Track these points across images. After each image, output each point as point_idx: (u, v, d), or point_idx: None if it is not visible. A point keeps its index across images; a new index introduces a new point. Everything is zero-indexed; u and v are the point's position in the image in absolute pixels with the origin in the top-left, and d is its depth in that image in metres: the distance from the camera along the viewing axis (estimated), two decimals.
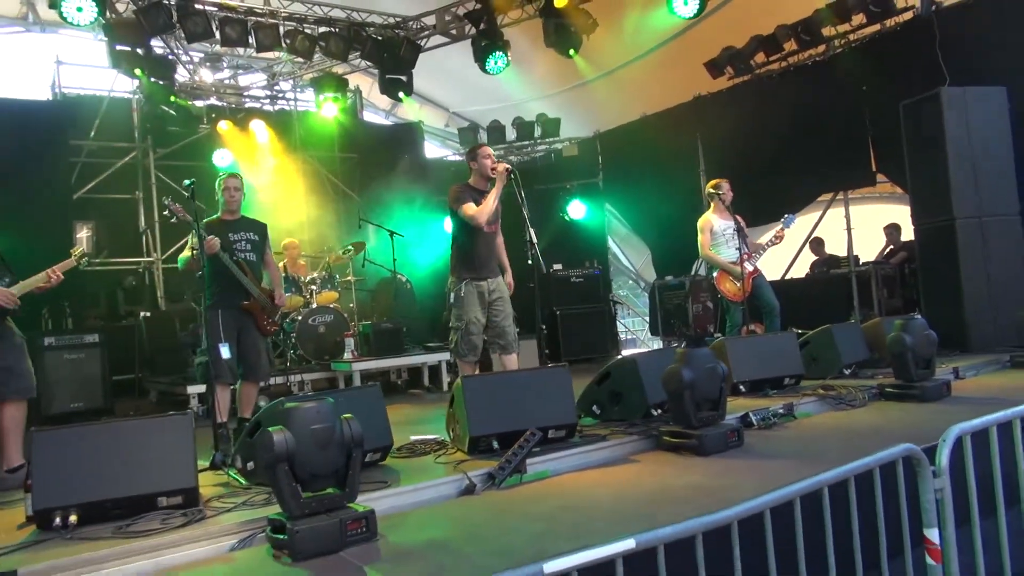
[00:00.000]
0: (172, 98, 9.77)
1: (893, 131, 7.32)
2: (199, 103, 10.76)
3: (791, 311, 7.21)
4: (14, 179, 8.61)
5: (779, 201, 8.91)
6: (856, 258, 9.11)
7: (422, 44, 10.74)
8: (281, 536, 2.69)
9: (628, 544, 1.85)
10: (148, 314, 8.80)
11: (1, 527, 3.19)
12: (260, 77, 11.83)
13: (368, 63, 10.75)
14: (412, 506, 3.27)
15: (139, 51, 9.04)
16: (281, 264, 8.18)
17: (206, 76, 11.17)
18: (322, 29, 10.05)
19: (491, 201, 5.17)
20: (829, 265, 9.62)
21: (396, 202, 10.74)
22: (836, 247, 9.81)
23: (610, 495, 3.24)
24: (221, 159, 10.22)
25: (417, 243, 10.43)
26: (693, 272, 10.33)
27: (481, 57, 10.11)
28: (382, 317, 8.96)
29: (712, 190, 6.94)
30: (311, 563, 2.59)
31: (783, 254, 9.49)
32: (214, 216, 5.23)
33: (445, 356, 8.06)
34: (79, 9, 7.91)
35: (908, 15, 8.31)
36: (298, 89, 11.76)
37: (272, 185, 10.48)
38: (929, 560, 2.57)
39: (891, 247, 9.39)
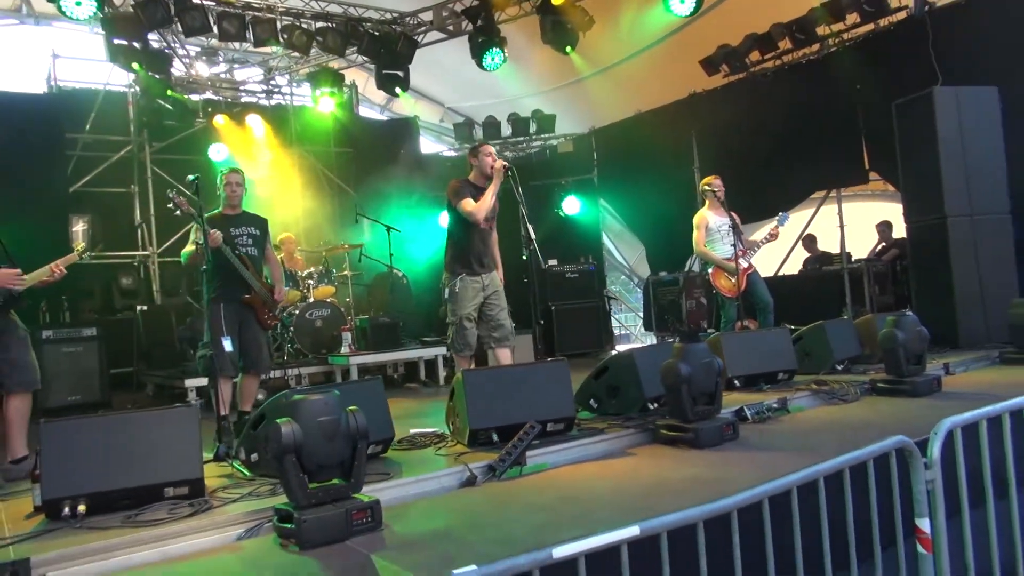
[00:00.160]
0: (168, 92, 9.78)
1: (886, 130, 7.36)
2: (195, 97, 10.77)
3: (784, 307, 7.27)
4: (9, 172, 8.62)
5: (773, 198, 9.01)
6: (848, 255, 9.18)
7: (419, 40, 10.75)
8: (288, 525, 2.74)
9: (632, 531, 1.92)
10: (145, 308, 8.83)
11: (9, 517, 3.23)
12: (256, 71, 11.85)
13: (365, 58, 10.77)
14: (415, 497, 3.32)
15: (136, 45, 9.06)
16: (279, 258, 8.19)
17: (202, 70, 11.19)
18: (319, 24, 10.05)
19: (489, 197, 5.23)
20: (822, 262, 9.70)
21: (392, 197, 10.79)
22: (829, 244, 9.89)
23: (609, 487, 3.28)
24: (217, 153, 10.23)
25: (413, 238, 10.46)
26: (687, 268, 10.40)
27: (478, 53, 10.13)
28: (379, 312, 8.99)
29: (706, 187, 7.00)
30: (318, 551, 2.63)
31: (776, 251, 9.56)
32: (215, 211, 5.25)
33: (441, 351, 8.11)
34: (78, 3, 7.87)
35: (901, 15, 8.38)
36: (294, 84, 11.77)
37: (268, 180, 10.48)
38: (920, 549, 2.65)
39: (883, 244, 9.48)
